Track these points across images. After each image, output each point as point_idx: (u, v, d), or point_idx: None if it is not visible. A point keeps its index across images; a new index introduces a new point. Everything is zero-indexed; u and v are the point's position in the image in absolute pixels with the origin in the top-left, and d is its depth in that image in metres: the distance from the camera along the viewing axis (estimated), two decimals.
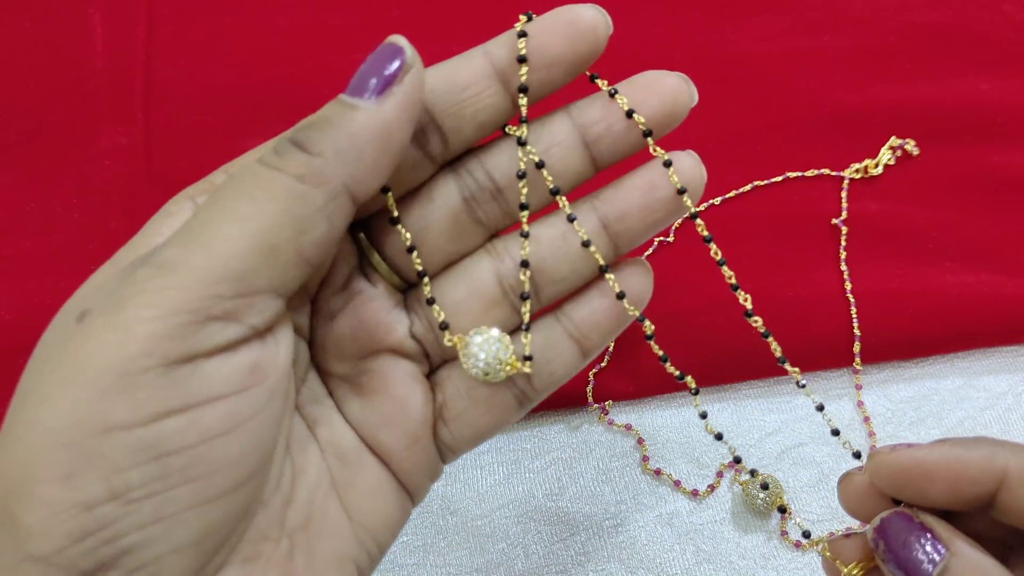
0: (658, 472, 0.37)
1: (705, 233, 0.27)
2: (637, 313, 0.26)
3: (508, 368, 0.25)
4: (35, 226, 0.42)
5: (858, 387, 0.38)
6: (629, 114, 0.25)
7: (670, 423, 0.38)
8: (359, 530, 0.25)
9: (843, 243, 0.40)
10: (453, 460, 0.27)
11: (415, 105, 0.22)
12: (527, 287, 0.26)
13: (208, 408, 0.20)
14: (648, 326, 0.27)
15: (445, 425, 0.26)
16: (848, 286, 0.39)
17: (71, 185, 0.42)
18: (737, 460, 0.33)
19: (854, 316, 0.38)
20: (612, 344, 0.38)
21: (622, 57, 0.46)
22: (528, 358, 0.26)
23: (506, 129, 0.26)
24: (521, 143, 0.25)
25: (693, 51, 0.46)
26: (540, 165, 0.25)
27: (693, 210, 0.26)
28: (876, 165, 0.42)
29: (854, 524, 0.36)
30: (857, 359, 0.38)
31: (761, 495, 0.35)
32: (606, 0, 0.47)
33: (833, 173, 0.42)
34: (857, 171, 0.42)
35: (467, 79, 0.24)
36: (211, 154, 0.43)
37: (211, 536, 0.21)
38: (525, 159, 0.25)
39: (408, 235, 0.25)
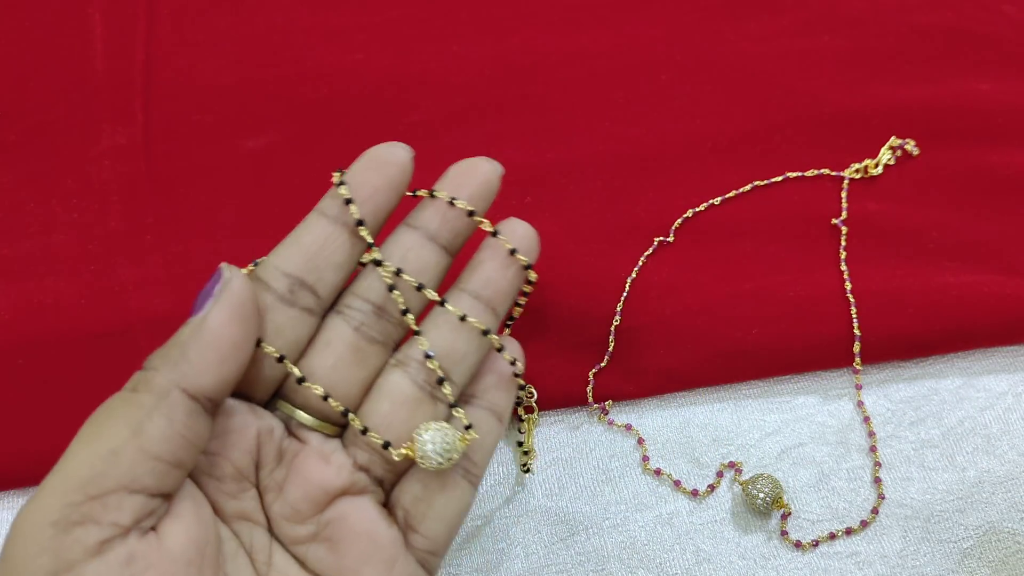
0: (658, 472, 0.37)
1: (532, 278, 0.32)
2: (525, 260, 0.31)
3: (459, 446, 0.29)
4: (35, 226, 0.42)
5: (858, 387, 0.38)
6: (451, 202, 0.30)
7: (670, 423, 0.38)
8: None
9: (843, 243, 0.40)
10: (437, 566, 0.30)
11: (239, 306, 0.26)
12: (439, 372, 0.29)
13: None
14: (531, 273, 0.31)
15: (416, 532, 0.29)
16: (848, 286, 0.39)
17: (71, 185, 0.42)
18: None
19: (854, 316, 0.38)
20: (612, 344, 0.38)
21: (622, 57, 0.46)
22: (469, 427, 0.29)
23: (362, 259, 0.30)
24: (377, 263, 0.29)
25: (693, 51, 0.46)
26: (398, 272, 0.29)
27: (526, 261, 0.31)
28: (876, 165, 0.42)
29: (855, 524, 0.36)
30: (857, 359, 0.38)
31: (761, 495, 0.35)
32: (600, 1, 0.47)
33: (833, 173, 0.42)
34: (857, 171, 0.42)
35: (313, 239, 0.29)
36: (211, 154, 0.44)
37: None
38: (387, 274, 0.29)
39: (319, 388, 0.29)
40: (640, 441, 0.38)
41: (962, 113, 0.44)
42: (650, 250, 0.41)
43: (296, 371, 0.29)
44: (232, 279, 0.26)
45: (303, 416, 0.29)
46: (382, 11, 0.47)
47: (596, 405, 0.38)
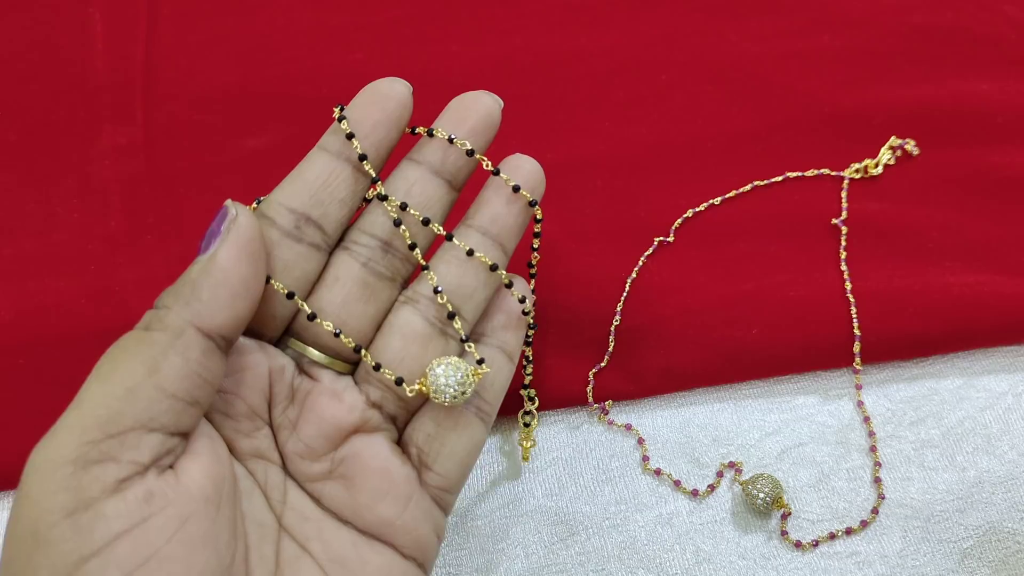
0: (658, 472, 0.37)
1: (539, 216, 0.31)
2: (529, 197, 0.30)
3: (472, 379, 0.29)
4: (35, 226, 0.42)
5: (858, 387, 0.38)
6: (451, 140, 0.29)
7: (670, 423, 0.38)
8: None
9: (843, 243, 0.40)
10: (452, 503, 0.30)
11: (247, 243, 0.26)
12: (449, 307, 0.29)
13: (118, 544, 0.23)
14: (538, 211, 0.31)
15: (430, 469, 0.29)
16: (848, 286, 0.39)
17: (71, 185, 0.43)
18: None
19: (854, 316, 0.38)
20: (612, 344, 0.38)
21: (622, 57, 0.46)
22: (481, 361, 0.29)
23: (367, 196, 0.30)
24: (382, 198, 0.29)
25: (692, 51, 0.46)
26: (404, 207, 0.29)
27: (530, 198, 0.30)
28: (876, 165, 0.42)
29: (855, 524, 0.36)
30: (857, 359, 0.38)
31: (761, 495, 0.35)
32: (601, 1, 0.47)
33: (833, 173, 0.42)
34: (857, 171, 0.42)
35: (316, 174, 0.29)
36: (211, 154, 0.44)
37: None
38: (392, 209, 0.29)
39: (330, 325, 0.29)
40: (640, 441, 0.38)
41: (962, 113, 0.44)
42: (650, 250, 0.41)
43: (306, 308, 0.29)
44: (239, 215, 0.26)
45: (314, 353, 0.29)
46: (382, 11, 0.47)
47: (596, 405, 0.38)
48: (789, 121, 0.44)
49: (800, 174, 0.42)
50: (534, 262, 0.34)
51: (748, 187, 0.42)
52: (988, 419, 0.38)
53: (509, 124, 0.44)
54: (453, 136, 0.29)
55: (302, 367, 0.29)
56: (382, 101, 0.29)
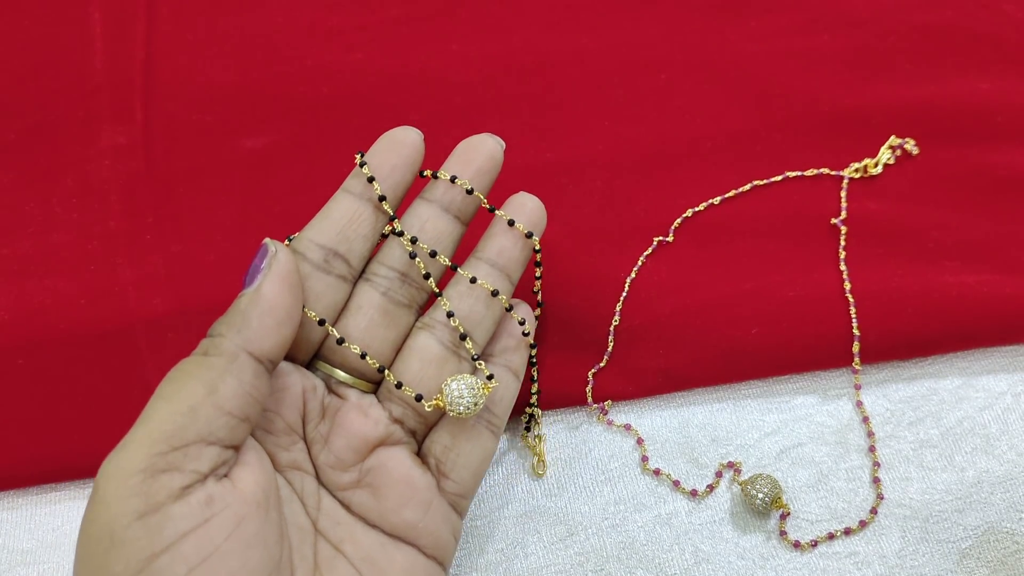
0: (657, 472, 0.37)
1: (537, 246, 0.35)
2: (527, 231, 0.34)
3: (483, 392, 0.32)
4: (34, 225, 0.42)
5: (857, 387, 0.38)
6: (453, 179, 0.33)
7: (669, 423, 0.38)
8: None
9: (842, 243, 0.40)
10: (466, 508, 0.34)
11: (287, 276, 0.29)
12: (461, 329, 0.33)
13: (185, 542, 0.26)
14: (537, 244, 0.34)
15: (447, 477, 0.33)
16: (847, 286, 0.39)
17: (70, 184, 0.43)
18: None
19: (853, 316, 0.38)
20: (611, 344, 0.38)
21: (622, 57, 0.46)
22: (491, 376, 0.33)
23: (384, 231, 0.33)
24: (398, 234, 0.33)
25: (692, 51, 0.46)
26: (414, 241, 0.33)
27: (526, 230, 0.34)
28: (876, 164, 0.42)
29: (853, 525, 0.36)
30: (856, 359, 0.38)
31: (760, 495, 0.35)
32: (600, 1, 0.47)
33: (832, 172, 0.42)
34: (856, 170, 0.42)
35: (342, 214, 0.32)
36: (211, 153, 0.44)
37: None
38: (408, 243, 0.33)
39: (357, 348, 0.32)
40: (639, 441, 0.38)
41: (962, 113, 0.44)
42: (649, 250, 0.41)
43: (335, 333, 0.32)
44: (278, 251, 0.30)
45: (341, 374, 0.33)
46: (382, 11, 0.47)
47: (595, 405, 0.38)
48: (789, 121, 0.44)
49: (799, 173, 0.42)
50: (537, 288, 0.37)
51: (747, 187, 0.42)
52: (987, 419, 0.38)
53: (509, 124, 0.44)
54: (456, 177, 0.33)
55: (330, 387, 0.33)
56: (398, 147, 0.33)
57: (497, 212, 0.34)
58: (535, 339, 0.36)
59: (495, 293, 0.33)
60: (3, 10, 0.47)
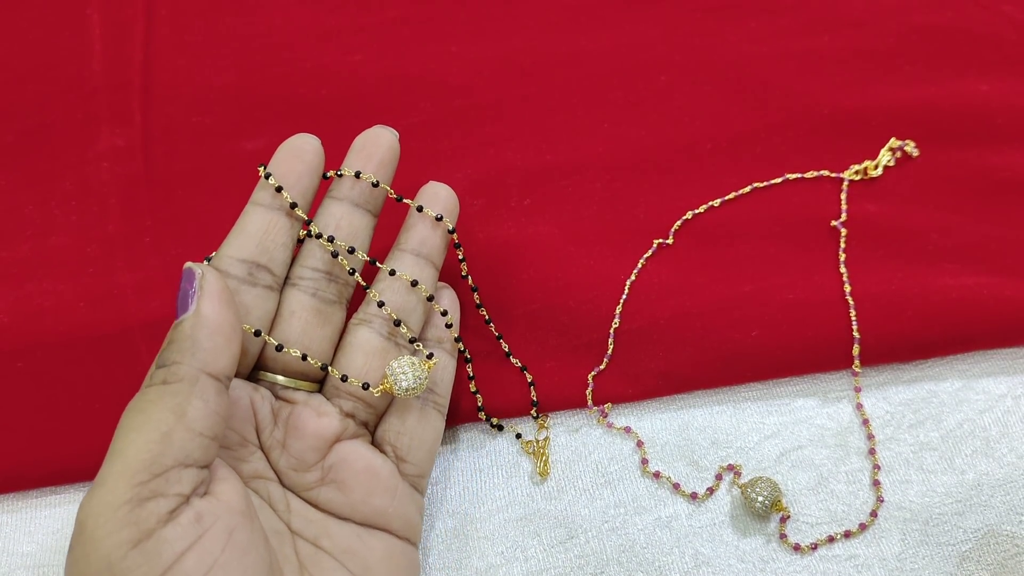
0: (657, 475, 0.37)
1: (451, 227, 0.36)
2: (450, 226, 0.36)
3: (425, 370, 0.33)
4: (33, 228, 0.42)
5: (857, 389, 0.38)
6: (357, 175, 0.34)
7: (669, 426, 0.38)
8: None
9: (842, 245, 0.40)
10: (425, 486, 0.35)
11: (220, 293, 0.30)
12: (394, 316, 0.34)
13: (185, 560, 0.26)
14: (455, 236, 0.36)
15: (404, 460, 0.34)
16: (847, 288, 0.39)
17: (69, 187, 0.42)
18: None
19: (853, 318, 0.38)
20: (611, 346, 0.38)
21: (622, 58, 0.46)
22: (430, 355, 0.34)
23: (300, 235, 0.34)
24: (318, 236, 0.34)
25: (692, 52, 0.45)
26: (332, 239, 0.34)
27: (436, 215, 0.35)
28: (876, 167, 0.42)
29: (853, 527, 0.36)
30: (856, 361, 0.38)
31: (760, 498, 0.35)
32: (600, 2, 0.47)
33: (832, 175, 0.42)
34: (856, 172, 0.42)
35: (257, 226, 0.33)
36: (209, 155, 0.44)
37: None
38: (327, 244, 0.34)
39: (297, 352, 0.33)
40: (639, 444, 0.38)
41: (962, 114, 0.43)
42: (649, 252, 0.41)
43: (273, 341, 0.33)
44: (205, 273, 0.30)
45: (282, 379, 0.33)
46: (381, 12, 0.47)
47: (595, 408, 0.38)
48: (788, 122, 0.44)
49: (799, 176, 0.42)
50: (465, 272, 0.38)
51: (747, 189, 0.42)
52: (987, 422, 0.38)
53: (509, 126, 0.44)
54: (360, 172, 0.34)
55: (276, 393, 0.33)
56: (300, 154, 0.34)
57: (409, 202, 0.35)
58: (523, 354, 0.38)
59: (415, 283, 0.34)
60: (2, 12, 0.47)
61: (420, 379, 0.33)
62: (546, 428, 0.38)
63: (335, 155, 0.43)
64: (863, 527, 0.36)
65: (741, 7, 0.47)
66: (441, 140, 0.44)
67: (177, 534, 0.26)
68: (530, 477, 0.38)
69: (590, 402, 0.38)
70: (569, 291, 0.39)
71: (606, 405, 0.38)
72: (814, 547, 0.36)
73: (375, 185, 0.35)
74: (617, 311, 0.39)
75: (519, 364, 0.38)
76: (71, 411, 0.38)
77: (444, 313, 0.36)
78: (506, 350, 0.38)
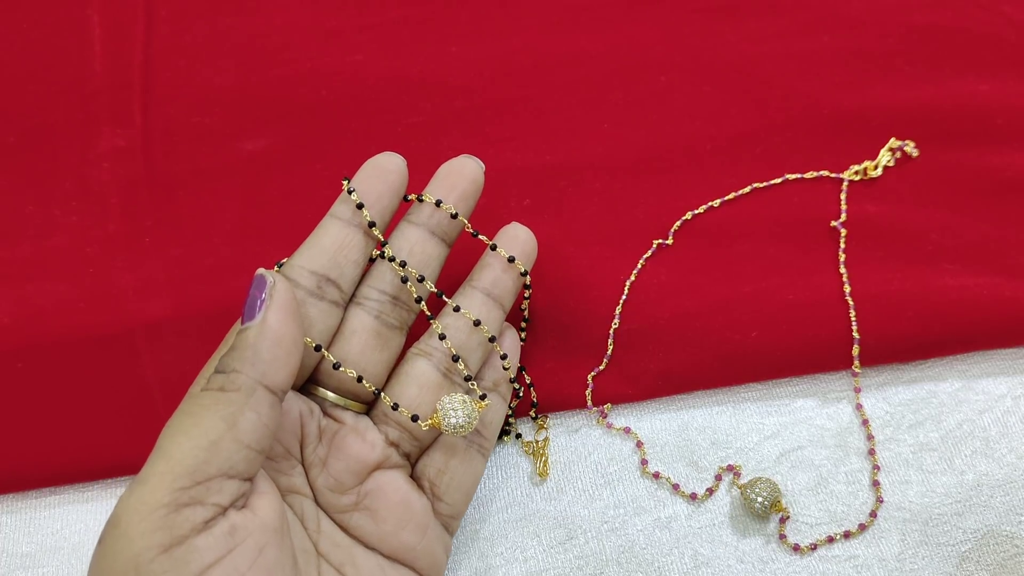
0: (657, 475, 0.37)
1: (523, 269, 0.35)
2: (523, 268, 0.35)
3: (476, 411, 0.32)
4: (33, 229, 0.42)
5: (857, 390, 0.38)
6: (438, 203, 0.34)
7: (669, 426, 0.38)
8: None
9: (842, 245, 0.40)
10: (456, 527, 0.35)
11: (288, 305, 0.30)
12: (453, 351, 0.33)
13: (211, 572, 0.26)
14: (527, 277, 0.36)
15: (440, 499, 0.34)
16: (847, 288, 0.39)
17: (69, 188, 0.43)
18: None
19: (853, 319, 0.38)
20: (611, 347, 0.38)
21: (621, 59, 0.46)
22: (483, 396, 0.33)
23: (373, 255, 0.34)
24: (390, 259, 0.34)
25: (691, 52, 0.45)
26: (403, 264, 0.34)
27: (523, 268, 0.35)
28: (875, 167, 0.42)
29: (853, 528, 0.36)
30: (856, 362, 0.38)
31: (760, 498, 0.35)
32: (600, 3, 0.47)
33: (832, 175, 0.42)
34: (856, 173, 0.42)
35: (332, 240, 0.33)
36: (210, 156, 0.44)
37: None
38: (398, 268, 0.34)
39: (353, 372, 0.33)
40: (639, 444, 0.38)
41: (962, 114, 0.43)
42: (649, 252, 0.41)
43: (332, 358, 0.33)
44: (277, 282, 0.30)
45: (333, 396, 0.33)
46: (381, 13, 0.47)
47: (595, 408, 0.38)
48: (788, 122, 0.43)
49: (799, 176, 0.42)
50: (525, 307, 0.38)
51: (747, 189, 0.42)
52: (987, 422, 0.38)
53: (509, 126, 0.44)
54: (441, 201, 0.34)
55: (324, 410, 0.33)
56: (384, 174, 0.33)
57: (484, 239, 0.35)
58: (523, 356, 0.38)
59: (477, 323, 0.34)
60: (2, 13, 0.47)
61: (470, 418, 0.32)
62: (545, 429, 0.38)
63: (337, 156, 0.43)
64: (863, 527, 0.36)
65: (741, 7, 0.47)
66: (441, 140, 0.44)
67: (209, 544, 0.26)
68: (529, 478, 0.38)
69: (589, 403, 0.38)
70: (568, 291, 0.39)
71: (605, 406, 0.38)
72: (813, 547, 0.36)
73: (454, 216, 0.34)
74: (617, 311, 0.39)
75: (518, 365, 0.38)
76: (71, 411, 0.38)
77: (503, 356, 0.35)
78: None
